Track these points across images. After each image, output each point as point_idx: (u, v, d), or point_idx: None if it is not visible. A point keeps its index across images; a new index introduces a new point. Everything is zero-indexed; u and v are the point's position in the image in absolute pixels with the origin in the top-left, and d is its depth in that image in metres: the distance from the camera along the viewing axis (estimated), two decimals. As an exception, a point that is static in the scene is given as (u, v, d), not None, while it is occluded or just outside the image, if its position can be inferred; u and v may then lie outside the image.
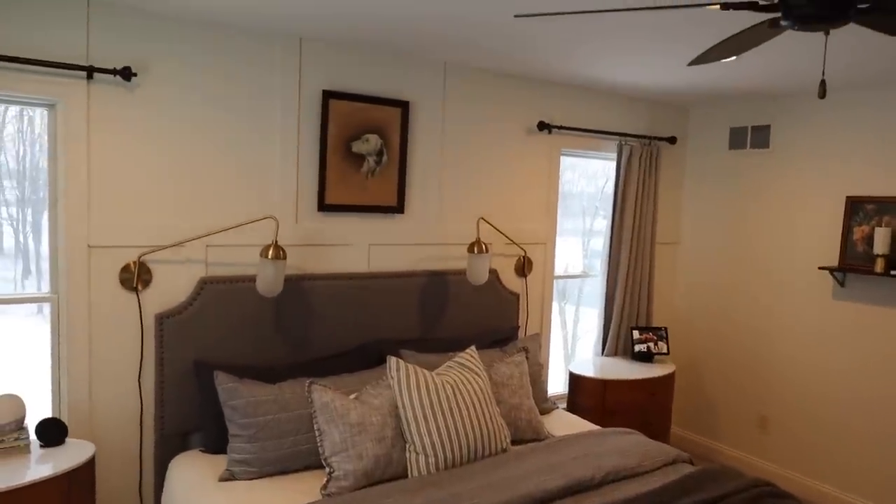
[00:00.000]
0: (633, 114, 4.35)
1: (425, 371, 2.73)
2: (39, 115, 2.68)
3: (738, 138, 4.39)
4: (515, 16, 1.76)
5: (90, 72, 2.56)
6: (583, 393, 3.88)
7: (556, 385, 4.34)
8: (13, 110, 2.72)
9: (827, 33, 1.64)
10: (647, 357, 4.20)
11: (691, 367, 4.71)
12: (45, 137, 2.65)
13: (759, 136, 4.26)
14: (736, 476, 2.65)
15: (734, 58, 2.89)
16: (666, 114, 4.55)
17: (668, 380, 4.02)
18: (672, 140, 4.46)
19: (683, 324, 4.77)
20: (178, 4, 2.60)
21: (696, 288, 4.70)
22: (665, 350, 4.24)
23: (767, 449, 4.26)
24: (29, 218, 2.79)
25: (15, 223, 2.82)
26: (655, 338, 4.25)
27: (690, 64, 2.08)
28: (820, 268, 3.85)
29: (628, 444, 2.89)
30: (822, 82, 1.69)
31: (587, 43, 2.95)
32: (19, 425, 2.48)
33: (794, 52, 2.95)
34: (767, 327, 4.25)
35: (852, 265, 3.73)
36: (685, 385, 4.73)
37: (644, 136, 4.30)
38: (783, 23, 1.63)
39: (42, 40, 2.50)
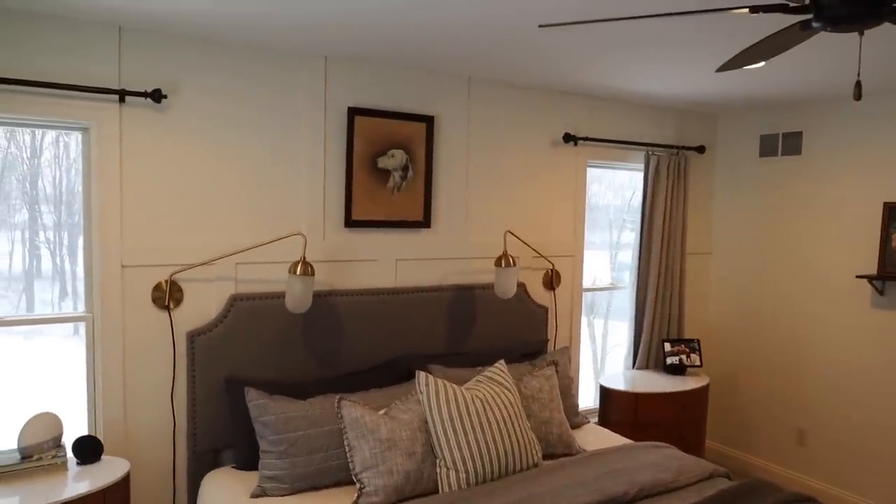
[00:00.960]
0: (660, 123, 4.32)
1: (454, 386, 2.71)
2: (74, 141, 2.75)
3: (768, 146, 4.32)
4: (540, 26, 1.75)
5: (122, 95, 2.62)
6: (614, 407, 3.82)
7: (587, 400, 4.28)
8: (49, 136, 2.79)
9: (861, 34, 1.61)
10: (679, 370, 4.12)
11: (726, 380, 4.61)
12: (80, 161, 2.72)
13: (791, 143, 4.19)
14: (775, 491, 2.57)
15: (762, 63, 2.85)
16: (694, 123, 4.50)
17: (701, 392, 3.94)
18: (701, 149, 4.41)
19: (716, 335, 4.68)
20: (205, 27, 2.66)
21: (729, 299, 4.61)
22: (698, 362, 4.16)
23: (807, 463, 4.14)
24: (65, 241, 2.85)
25: (52, 246, 2.89)
26: (688, 350, 4.17)
27: (719, 70, 2.06)
28: (857, 276, 3.75)
29: (663, 459, 2.83)
30: (858, 83, 1.65)
31: (612, 52, 2.94)
32: (57, 443, 2.52)
33: (827, 56, 2.90)
34: (804, 338, 4.15)
35: (892, 273, 3.62)
36: (720, 398, 4.63)
37: (672, 146, 4.25)
38: (815, 24, 1.60)
39: (76, 66, 2.57)
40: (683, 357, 4.15)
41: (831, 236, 3.99)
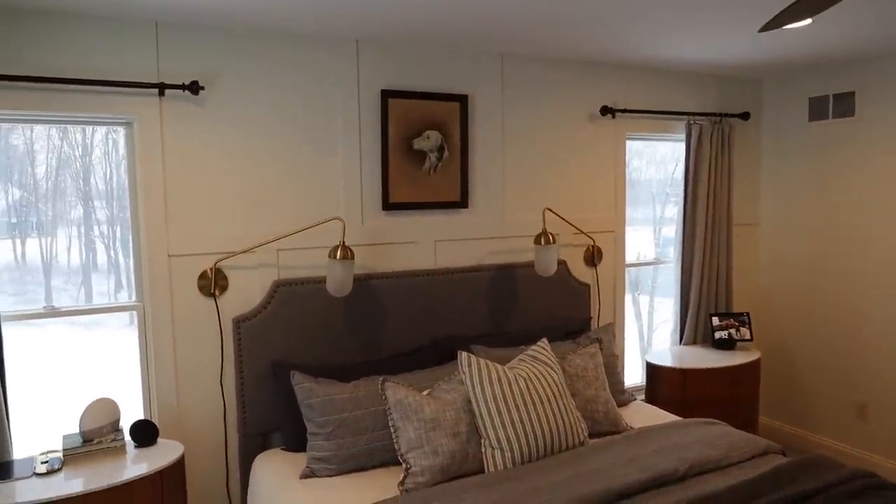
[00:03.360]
0: (701, 91, 4.18)
1: (497, 365, 2.70)
2: (122, 138, 2.83)
3: (818, 109, 4.14)
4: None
5: (161, 88, 2.68)
6: (661, 384, 3.76)
7: (633, 377, 4.23)
8: (99, 134, 2.88)
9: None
10: (728, 344, 4.03)
11: (778, 353, 4.48)
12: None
13: (843, 105, 4.00)
14: (834, 467, 2.48)
15: (809, 21, 2.72)
16: (737, 89, 4.35)
17: (752, 367, 3.84)
18: (745, 116, 4.26)
19: (767, 308, 4.54)
20: (237, 17, 2.68)
21: (779, 270, 4.47)
22: (748, 336, 4.05)
23: (867, 437, 4.00)
24: (118, 235, 2.95)
25: (106, 240, 2.98)
26: (737, 324, 4.07)
27: (762, 30, 1.97)
28: (917, 242, 3.59)
29: (713, 435, 2.77)
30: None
31: (647, 17, 2.85)
32: (115, 427, 2.62)
33: (878, 9, 2.75)
34: (860, 308, 3.99)
35: (954, 237, 3.45)
36: (772, 372, 4.51)
37: (714, 114, 4.12)
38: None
39: (117, 63, 2.64)
40: (732, 331, 4.05)
41: (888, 201, 3.81)
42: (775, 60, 3.83)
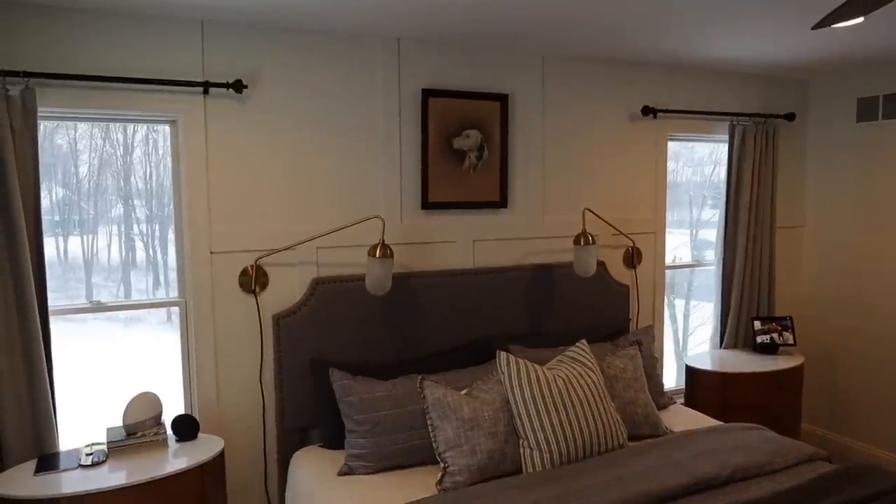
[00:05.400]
0: (745, 91, 4.10)
1: (536, 366, 2.68)
2: (162, 137, 2.88)
3: (867, 109, 4.03)
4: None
5: (206, 87, 2.71)
6: (701, 387, 3.69)
7: (668, 381, 4.16)
8: (140, 133, 2.93)
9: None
10: (770, 349, 3.94)
11: (823, 359, 4.37)
12: (168, 157, 2.84)
13: (894, 105, 3.88)
14: (883, 475, 2.41)
15: (861, 19, 2.65)
16: (782, 89, 4.25)
17: (795, 372, 3.75)
18: (790, 117, 4.16)
19: (812, 312, 4.43)
20: (281, 16, 2.71)
21: (825, 274, 4.35)
22: (791, 341, 3.96)
23: (915, 447, 3.88)
24: (157, 233, 2.99)
25: (145, 238, 3.04)
26: (780, 328, 3.98)
27: (815, 28, 1.92)
28: (971, 246, 3.46)
29: (756, 441, 2.71)
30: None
31: (693, 15, 2.80)
32: (157, 421, 2.66)
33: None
34: (910, 314, 3.87)
35: None
36: (816, 378, 4.40)
37: (758, 115, 4.03)
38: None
39: (163, 61, 2.68)
40: (775, 335, 3.96)
41: (941, 204, 3.69)
42: (823, 60, 3.74)
